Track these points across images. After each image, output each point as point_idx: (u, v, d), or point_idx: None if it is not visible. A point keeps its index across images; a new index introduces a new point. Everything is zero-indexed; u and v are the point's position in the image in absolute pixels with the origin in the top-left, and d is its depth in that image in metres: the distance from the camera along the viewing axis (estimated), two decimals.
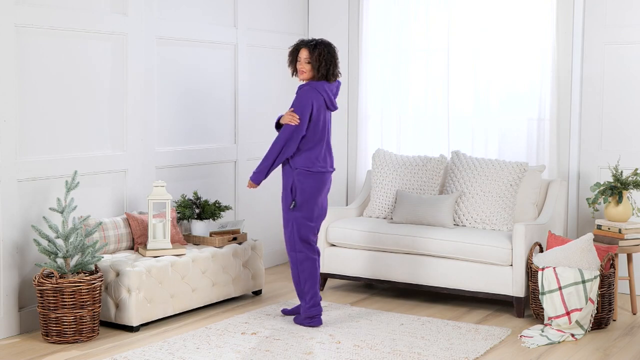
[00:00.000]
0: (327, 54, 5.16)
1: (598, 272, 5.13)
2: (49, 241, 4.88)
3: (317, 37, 5.34)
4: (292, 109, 5.14)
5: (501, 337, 5.04)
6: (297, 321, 5.26)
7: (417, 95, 6.87)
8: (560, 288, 5.11)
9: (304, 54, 5.16)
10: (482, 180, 5.97)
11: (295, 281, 5.27)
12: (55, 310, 4.81)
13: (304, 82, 5.21)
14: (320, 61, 5.13)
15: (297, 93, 5.19)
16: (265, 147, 6.78)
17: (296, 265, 5.23)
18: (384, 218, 6.31)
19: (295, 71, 5.25)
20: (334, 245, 6.16)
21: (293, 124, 5.08)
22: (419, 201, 6.02)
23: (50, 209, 5.02)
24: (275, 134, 5.38)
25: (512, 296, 5.52)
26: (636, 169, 5.68)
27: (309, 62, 5.14)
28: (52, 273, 4.87)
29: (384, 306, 5.80)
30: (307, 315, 5.24)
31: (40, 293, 4.84)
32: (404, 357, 4.65)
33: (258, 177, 5.19)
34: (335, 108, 5.25)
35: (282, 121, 5.17)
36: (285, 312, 5.45)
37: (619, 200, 5.60)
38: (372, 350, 4.76)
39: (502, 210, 5.87)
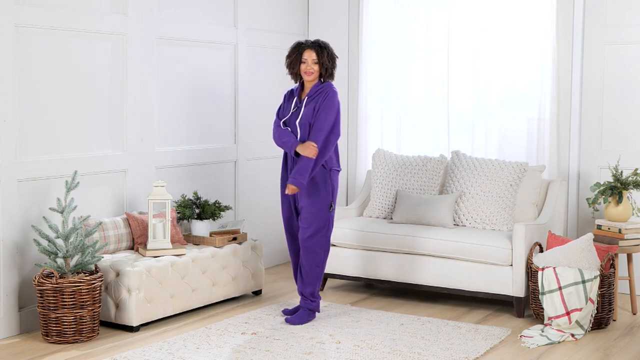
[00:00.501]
0: (332, 53, 5.26)
1: (598, 272, 5.13)
2: (49, 241, 4.88)
3: (311, 38, 5.35)
4: (315, 129, 5.14)
5: (501, 337, 5.04)
6: (298, 320, 5.25)
7: (417, 95, 6.87)
8: (560, 288, 5.11)
9: (310, 55, 5.18)
10: (482, 180, 5.97)
11: (313, 280, 5.28)
12: (55, 310, 4.81)
13: (316, 83, 5.23)
14: (329, 61, 5.20)
15: (326, 94, 5.18)
16: (265, 147, 6.84)
17: (322, 264, 5.31)
18: (384, 218, 6.31)
19: (296, 74, 5.26)
20: (334, 245, 6.15)
21: (312, 157, 5.07)
22: (419, 201, 6.02)
23: (50, 209, 5.02)
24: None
25: (512, 296, 5.52)
26: (636, 169, 5.68)
27: (316, 63, 5.17)
28: (52, 273, 4.87)
29: (384, 306, 5.80)
30: (313, 308, 5.31)
31: (40, 293, 4.84)
32: (404, 357, 4.65)
33: (301, 181, 5.09)
34: None
35: (303, 153, 5.08)
36: (286, 313, 5.45)
37: (619, 200, 5.60)
38: (372, 350, 4.76)
39: (502, 210, 5.87)
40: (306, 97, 5.24)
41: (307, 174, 5.09)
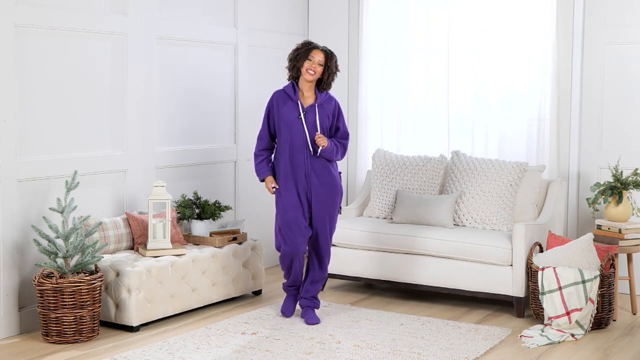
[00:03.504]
0: (338, 64, 5.29)
1: (598, 272, 5.13)
2: (49, 241, 4.88)
3: (314, 40, 5.39)
4: (337, 123, 5.35)
5: (501, 337, 5.04)
6: (317, 319, 5.30)
7: (417, 95, 6.87)
8: (560, 288, 5.11)
9: (319, 56, 5.17)
10: (482, 180, 5.97)
11: (326, 275, 5.43)
12: (55, 310, 4.81)
13: (321, 92, 5.26)
14: (332, 69, 5.23)
15: (335, 102, 5.32)
16: None
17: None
18: (384, 218, 6.31)
19: (297, 70, 5.21)
20: (334, 245, 6.15)
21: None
22: (419, 201, 6.02)
23: (50, 209, 5.02)
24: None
25: (512, 296, 5.52)
26: (636, 169, 5.68)
27: (322, 65, 5.18)
28: (52, 273, 4.88)
29: (384, 306, 5.80)
30: (318, 306, 5.43)
31: (40, 293, 4.84)
32: (404, 357, 4.65)
33: (332, 152, 5.22)
34: None
35: (322, 144, 5.17)
36: (286, 314, 5.44)
37: (619, 200, 5.60)
38: (372, 350, 4.76)
39: (502, 210, 5.87)
40: (316, 105, 5.22)
41: (334, 152, 5.24)
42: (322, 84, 5.24)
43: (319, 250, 5.34)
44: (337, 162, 5.41)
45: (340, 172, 5.40)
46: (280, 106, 5.25)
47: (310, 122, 5.20)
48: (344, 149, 5.32)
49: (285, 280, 5.50)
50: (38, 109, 5.14)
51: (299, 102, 5.22)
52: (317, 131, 5.20)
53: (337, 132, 5.34)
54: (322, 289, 6.20)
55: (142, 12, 5.73)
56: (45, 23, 5.12)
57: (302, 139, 5.19)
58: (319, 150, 5.18)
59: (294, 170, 5.21)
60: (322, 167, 5.24)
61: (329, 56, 5.20)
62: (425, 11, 6.77)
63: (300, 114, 5.20)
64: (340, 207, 5.40)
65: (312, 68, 5.16)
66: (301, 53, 5.19)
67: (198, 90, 6.31)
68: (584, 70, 6.22)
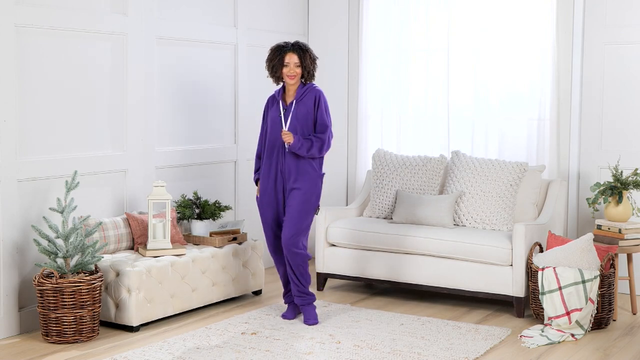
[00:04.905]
0: (313, 55, 5.28)
1: (598, 272, 5.13)
2: (49, 241, 4.88)
3: (290, 40, 5.39)
4: (321, 113, 5.26)
5: (501, 337, 5.04)
6: (316, 318, 5.28)
7: (417, 95, 6.88)
8: (560, 288, 5.11)
9: (293, 58, 5.19)
10: (482, 180, 5.97)
11: (308, 274, 5.29)
12: (55, 310, 4.81)
13: (299, 85, 5.24)
14: (311, 64, 5.24)
15: (316, 93, 5.23)
16: None
17: (307, 262, 5.30)
18: (384, 218, 6.31)
19: (278, 77, 5.26)
20: (334, 245, 6.16)
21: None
22: (418, 201, 6.02)
23: (50, 209, 5.02)
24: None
25: (512, 296, 5.52)
26: (636, 169, 5.68)
27: (299, 66, 5.19)
28: (52, 273, 4.88)
29: (384, 306, 5.80)
30: (313, 300, 5.34)
31: (40, 293, 4.84)
32: (404, 357, 4.66)
33: (298, 145, 5.11)
34: None
35: (287, 141, 5.13)
36: (287, 317, 5.43)
37: (619, 200, 5.60)
38: (372, 350, 4.76)
39: (502, 210, 5.88)
40: (294, 100, 5.24)
41: (305, 148, 5.12)
42: (304, 79, 5.26)
43: (284, 243, 5.20)
44: (322, 158, 5.30)
45: (323, 173, 5.29)
46: (269, 109, 5.34)
47: (287, 119, 5.23)
48: (321, 142, 5.18)
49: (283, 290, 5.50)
50: (38, 109, 5.14)
51: (280, 101, 5.28)
52: (285, 128, 5.19)
53: (316, 125, 5.26)
54: (322, 289, 6.20)
55: (142, 12, 5.73)
56: (45, 23, 5.12)
57: (280, 137, 5.23)
58: (287, 147, 5.18)
59: (274, 168, 5.24)
60: (295, 163, 5.20)
61: (303, 53, 5.20)
62: (425, 11, 6.77)
63: (280, 113, 5.24)
64: (318, 207, 5.28)
65: (290, 74, 5.20)
66: (276, 64, 5.22)
67: (198, 90, 6.31)
68: (584, 70, 6.22)
